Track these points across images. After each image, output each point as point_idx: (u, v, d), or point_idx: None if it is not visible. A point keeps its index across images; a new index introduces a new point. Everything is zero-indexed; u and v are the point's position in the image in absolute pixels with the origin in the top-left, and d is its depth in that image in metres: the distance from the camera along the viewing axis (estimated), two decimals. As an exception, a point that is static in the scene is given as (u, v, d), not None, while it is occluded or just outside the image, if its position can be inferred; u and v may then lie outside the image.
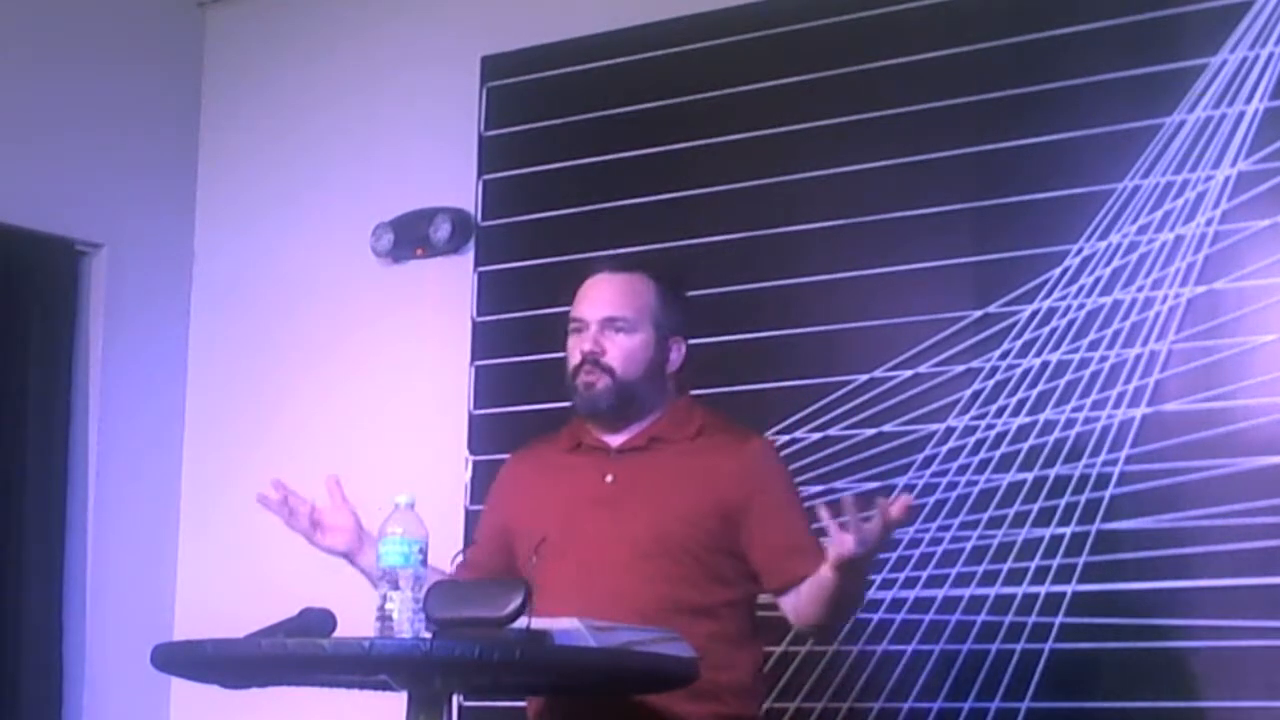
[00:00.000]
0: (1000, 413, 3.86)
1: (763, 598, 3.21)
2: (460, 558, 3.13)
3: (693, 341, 3.30)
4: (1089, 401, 3.76)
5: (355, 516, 3.22)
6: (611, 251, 3.39)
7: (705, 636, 2.99)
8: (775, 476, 3.21)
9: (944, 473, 3.89)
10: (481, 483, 4.55)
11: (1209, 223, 3.69)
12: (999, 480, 3.83)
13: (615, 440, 3.22)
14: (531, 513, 3.24)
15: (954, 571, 3.84)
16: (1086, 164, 3.84)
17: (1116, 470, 3.71)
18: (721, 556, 3.12)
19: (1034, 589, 3.74)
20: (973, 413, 3.89)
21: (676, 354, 3.24)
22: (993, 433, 3.86)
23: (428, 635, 2.63)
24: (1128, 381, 3.73)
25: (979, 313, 3.93)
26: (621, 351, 3.18)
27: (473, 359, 4.65)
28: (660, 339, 3.21)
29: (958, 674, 3.80)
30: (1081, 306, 3.81)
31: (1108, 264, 3.79)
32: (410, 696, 2.64)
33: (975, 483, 3.86)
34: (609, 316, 3.19)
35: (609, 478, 3.18)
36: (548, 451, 3.33)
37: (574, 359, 3.21)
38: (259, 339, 5.09)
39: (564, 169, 4.58)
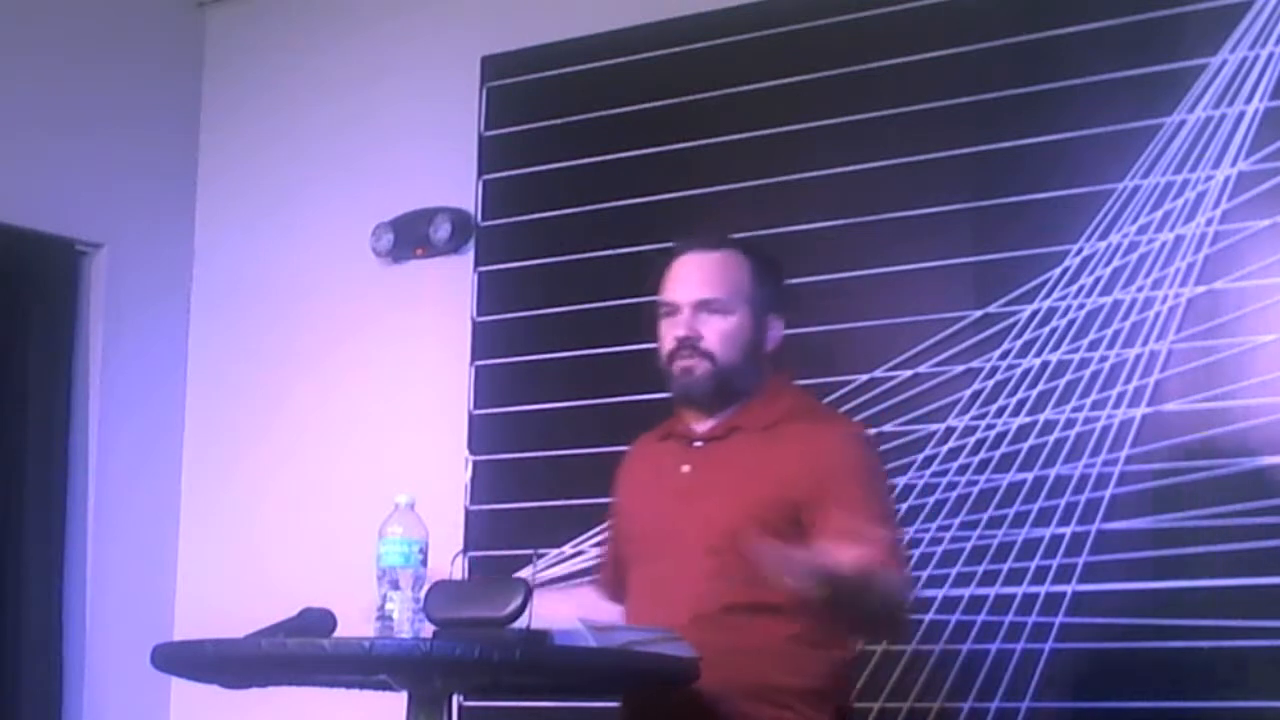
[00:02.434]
0: (1000, 413, 3.86)
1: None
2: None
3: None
4: (1089, 401, 3.76)
5: None
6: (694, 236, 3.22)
7: (775, 637, 2.90)
8: (848, 468, 2.99)
9: (944, 473, 3.89)
10: (482, 483, 4.56)
11: (1209, 223, 3.69)
12: (999, 480, 3.83)
13: (702, 427, 3.09)
14: (628, 507, 3.20)
15: (954, 571, 3.84)
16: (1086, 164, 3.84)
17: (1116, 470, 3.71)
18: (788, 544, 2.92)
19: (1034, 589, 3.74)
20: (973, 413, 3.89)
21: (775, 331, 3.10)
22: (993, 433, 3.86)
23: (428, 635, 2.63)
24: (1128, 381, 3.73)
25: (979, 313, 3.93)
26: (719, 334, 3.03)
27: (473, 359, 4.65)
28: (757, 318, 3.07)
29: (958, 674, 3.80)
30: (1081, 306, 3.81)
31: (1108, 264, 3.79)
32: (410, 696, 2.64)
33: (975, 483, 3.86)
34: (703, 299, 3.04)
35: (686, 468, 3.08)
36: (649, 440, 3.23)
37: (668, 344, 3.06)
38: (259, 338, 5.09)
39: (564, 169, 4.58)
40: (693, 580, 2.96)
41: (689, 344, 3.04)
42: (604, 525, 3.36)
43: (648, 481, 3.17)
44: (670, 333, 3.07)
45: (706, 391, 3.05)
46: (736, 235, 3.32)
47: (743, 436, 3.06)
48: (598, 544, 3.32)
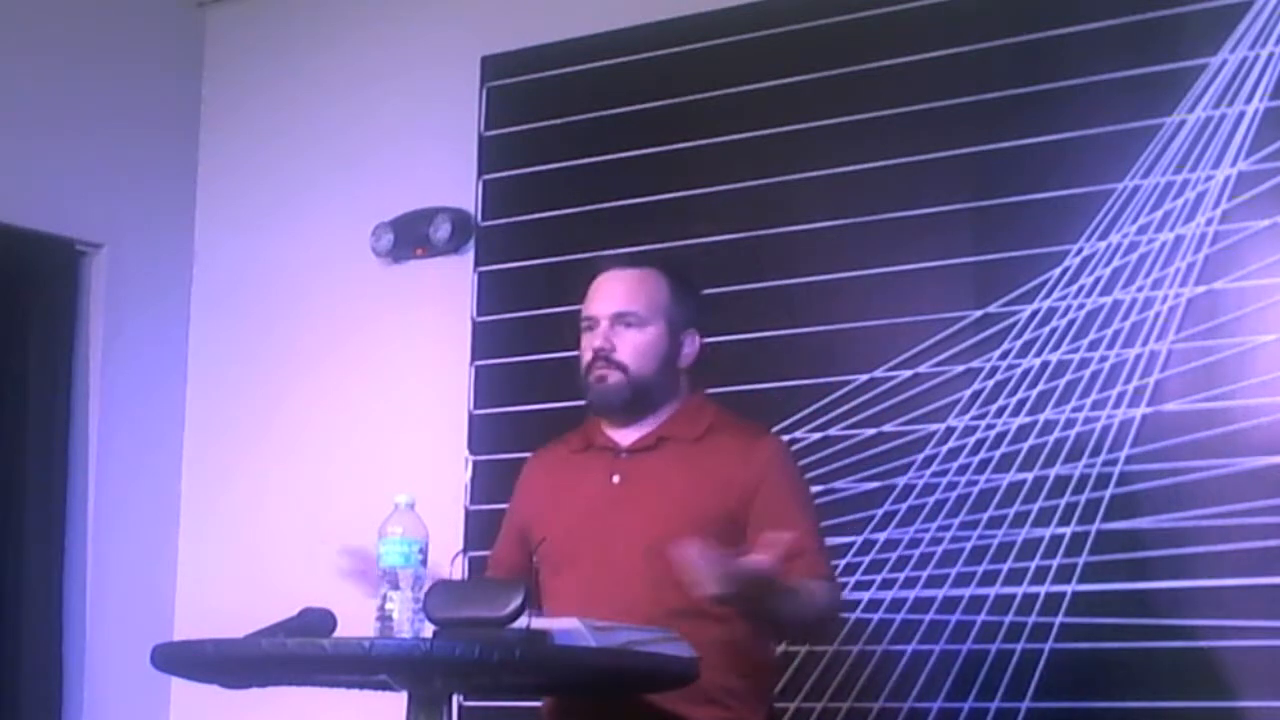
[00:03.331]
0: (1000, 413, 3.86)
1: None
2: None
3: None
4: (1089, 401, 3.76)
5: None
6: (617, 250, 3.35)
7: (711, 640, 2.95)
8: (782, 477, 3.13)
9: (944, 473, 3.89)
10: (482, 483, 4.56)
11: (1209, 223, 3.69)
12: (999, 480, 3.83)
13: (625, 439, 3.19)
14: (543, 514, 3.23)
15: (954, 571, 3.84)
16: (1086, 164, 3.84)
17: (1116, 470, 3.71)
18: None
19: (1034, 589, 3.74)
20: (973, 413, 3.89)
21: (690, 347, 3.20)
22: (993, 433, 3.86)
23: (428, 635, 2.63)
24: (1128, 381, 3.73)
25: (979, 313, 3.93)
26: (633, 346, 3.15)
27: (473, 359, 4.65)
28: (672, 332, 3.18)
29: (958, 674, 3.80)
30: (1081, 306, 3.81)
31: (1108, 264, 3.79)
32: (410, 696, 2.64)
33: (975, 483, 3.86)
34: (619, 312, 3.16)
35: (616, 478, 3.16)
36: (560, 450, 3.31)
37: (586, 356, 3.18)
38: (259, 339, 5.09)
39: (564, 169, 4.58)
40: (627, 585, 3.02)
41: (604, 355, 3.15)
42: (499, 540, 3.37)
43: (566, 490, 3.22)
44: (588, 345, 3.18)
45: (621, 400, 3.16)
46: (653, 249, 3.48)
47: (673, 446, 3.15)
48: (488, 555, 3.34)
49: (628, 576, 3.03)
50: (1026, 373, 3.85)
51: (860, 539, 3.91)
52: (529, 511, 3.29)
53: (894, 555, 3.89)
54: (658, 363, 3.16)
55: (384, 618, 2.65)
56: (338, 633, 2.66)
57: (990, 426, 3.87)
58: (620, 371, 3.14)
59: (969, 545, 3.83)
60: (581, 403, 3.15)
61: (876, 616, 3.89)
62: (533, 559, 3.20)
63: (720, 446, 3.13)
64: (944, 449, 3.90)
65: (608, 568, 3.06)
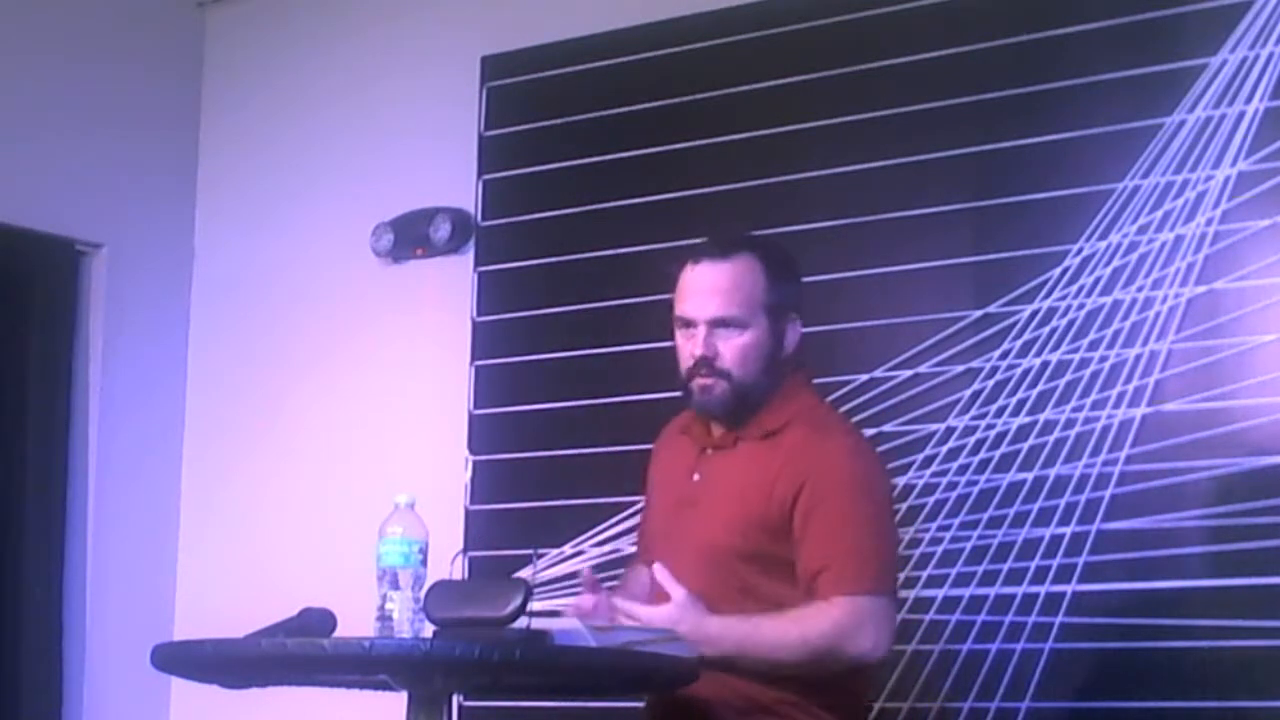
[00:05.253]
0: (1000, 413, 3.86)
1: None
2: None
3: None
4: (1089, 401, 3.76)
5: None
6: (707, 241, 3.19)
7: None
8: (830, 477, 2.94)
9: (944, 473, 3.89)
10: (482, 483, 4.56)
11: (1209, 223, 3.69)
12: (999, 480, 3.83)
13: (715, 432, 3.09)
14: (651, 499, 3.23)
15: (954, 571, 3.84)
16: (1086, 164, 3.83)
17: (1116, 470, 3.71)
18: (762, 566, 2.96)
19: (1034, 589, 3.74)
20: (973, 413, 3.89)
21: (792, 335, 3.06)
22: (993, 433, 3.86)
23: (428, 635, 2.63)
24: (1128, 381, 3.73)
25: (979, 313, 3.93)
26: (737, 351, 2.99)
27: (473, 359, 4.65)
28: (775, 327, 3.03)
29: (958, 674, 3.80)
30: (1081, 306, 3.81)
31: (1108, 264, 3.79)
32: (410, 696, 2.64)
33: (975, 483, 3.85)
34: (719, 316, 3.00)
35: (696, 476, 3.08)
36: (675, 427, 3.21)
37: (686, 361, 3.03)
38: (259, 339, 5.09)
39: (564, 169, 4.58)
40: (687, 585, 2.95)
41: (706, 363, 3.00)
42: (632, 510, 3.36)
43: (666, 478, 3.19)
44: (687, 349, 3.03)
45: (726, 409, 3.04)
46: (748, 233, 3.31)
47: (745, 446, 3.04)
48: (631, 528, 3.33)
49: (687, 581, 2.92)
50: (1026, 373, 3.85)
51: (860, 539, 3.91)
52: (651, 488, 3.26)
53: (894, 555, 3.89)
54: (762, 363, 3.01)
55: (384, 618, 2.65)
56: (338, 633, 2.66)
57: (990, 426, 3.87)
58: (725, 380, 2.99)
59: (969, 545, 3.83)
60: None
61: (876, 616, 3.89)
62: None
63: (785, 444, 2.99)
64: (944, 449, 3.90)
65: (677, 569, 2.95)
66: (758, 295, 3.01)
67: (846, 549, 2.90)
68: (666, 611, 2.86)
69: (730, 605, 2.92)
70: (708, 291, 3.02)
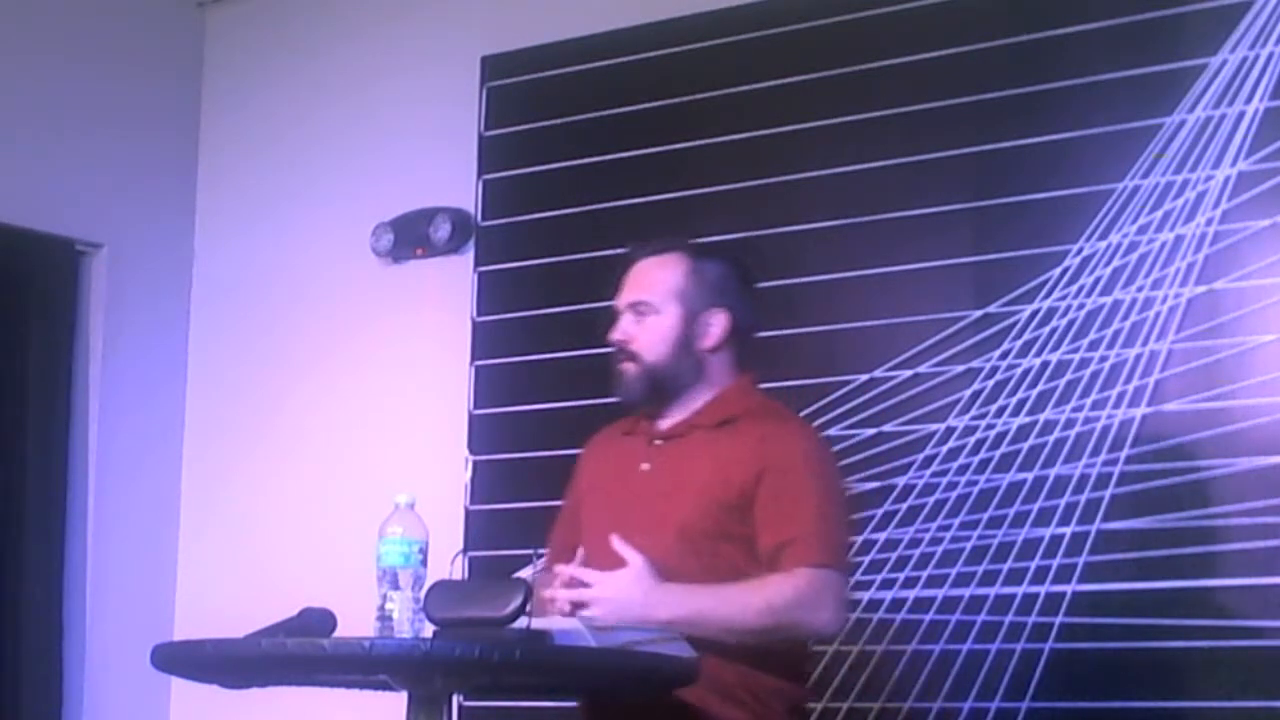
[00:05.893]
0: (1000, 413, 3.86)
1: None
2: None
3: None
4: (1089, 401, 3.76)
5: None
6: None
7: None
8: (792, 461, 3.04)
9: (944, 473, 3.89)
10: (482, 483, 4.56)
11: (1209, 223, 3.69)
12: (999, 480, 3.83)
13: (662, 425, 3.17)
14: (587, 500, 3.24)
15: (954, 571, 3.84)
16: (1086, 164, 3.83)
17: (1116, 470, 3.71)
18: (735, 546, 3.02)
19: (1034, 589, 3.74)
20: (973, 413, 3.89)
21: (716, 327, 3.14)
22: (993, 433, 3.86)
23: (428, 635, 2.63)
24: (1128, 381, 3.73)
25: (979, 313, 3.93)
26: (645, 335, 3.14)
27: (473, 359, 4.65)
28: (688, 315, 3.14)
29: (958, 674, 3.80)
30: (1081, 306, 3.81)
31: (1108, 264, 3.79)
32: (410, 696, 2.64)
33: (975, 483, 3.86)
34: (632, 301, 3.18)
35: (645, 466, 3.15)
36: (613, 433, 3.30)
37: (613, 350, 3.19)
38: (259, 339, 5.09)
39: (564, 169, 4.58)
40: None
41: (620, 347, 3.17)
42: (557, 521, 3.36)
43: (608, 476, 3.22)
44: (611, 339, 3.20)
45: (639, 391, 3.16)
46: (699, 239, 3.44)
47: (699, 434, 3.12)
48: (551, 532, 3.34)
49: (656, 559, 2.96)
50: (1026, 373, 3.85)
51: (860, 539, 3.91)
52: (578, 491, 3.29)
53: (894, 555, 3.89)
54: (672, 348, 3.13)
55: (384, 618, 2.65)
56: (338, 633, 2.66)
57: (990, 426, 3.87)
58: (634, 362, 3.15)
59: (969, 545, 3.83)
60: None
61: (876, 616, 3.89)
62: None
63: (743, 432, 3.08)
64: (944, 449, 3.90)
65: (641, 549, 2.98)
66: (671, 284, 3.15)
67: (807, 525, 2.99)
68: (623, 574, 2.92)
69: (698, 582, 2.98)
70: (630, 283, 3.21)
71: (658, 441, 3.16)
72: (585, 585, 2.94)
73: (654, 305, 3.15)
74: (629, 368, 3.15)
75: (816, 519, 3.01)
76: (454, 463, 4.61)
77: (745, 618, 2.93)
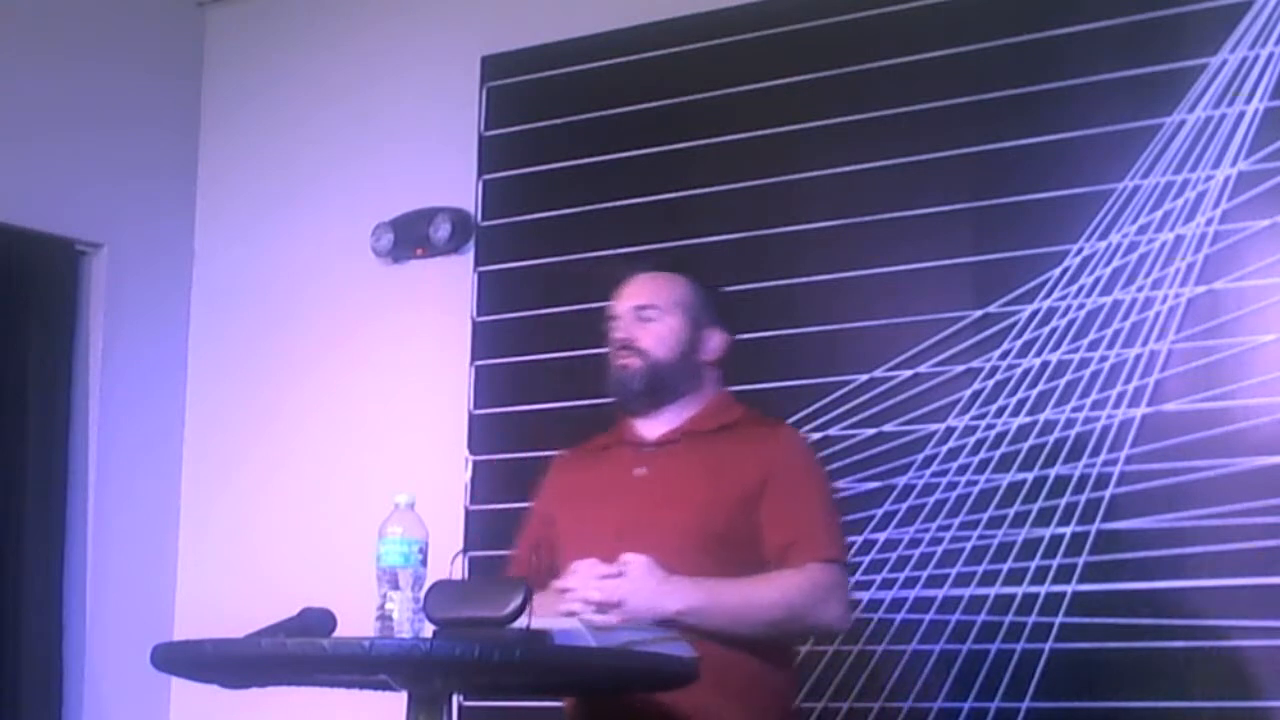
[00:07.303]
0: (1000, 413, 3.86)
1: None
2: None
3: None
4: (1089, 401, 3.76)
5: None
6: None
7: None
8: (791, 467, 3.15)
9: (944, 473, 3.89)
10: (482, 483, 4.56)
11: (1209, 223, 3.69)
12: (999, 480, 3.83)
13: (652, 433, 3.21)
14: (561, 506, 3.25)
15: (954, 571, 3.84)
16: (1086, 164, 3.84)
17: (1116, 470, 3.71)
18: (740, 547, 3.07)
19: (1034, 589, 3.74)
20: (973, 413, 3.89)
21: (715, 342, 3.25)
22: (993, 433, 3.86)
23: (428, 635, 2.62)
24: (1128, 381, 3.73)
25: (979, 313, 3.93)
26: (652, 335, 3.20)
27: (473, 359, 4.65)
28: (693, 325, 3.23)
29: (958, 674, 3.80)
30: (1081, 306, 3.81)
31: (1108, 264, 3.80)
32: (410, 696, 2.64)
33: (975, 483, 3.86)
34: (639, 305, 3.23)
35: (641, 471, 3.18)
36: (585, 450, 3.35)
37: (611, 351, 3.24)
38: (259, 338, 5.09)
39: (564, 169, 4.58)
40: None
41: (625, 344, 3.22)
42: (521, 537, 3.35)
43: (589, 488, 3.23)
44: (613, 340, 3.24)
45: (640, 384, 3.20)
46: (656, 249, 3.63)
47: (696, 440, 3.18)
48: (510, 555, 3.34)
49: (664, 561, 3.00)
50: (1026, 373, 3.85)
51: (860, 539, 3.91)
52: (548, 508, 3.30)
53: (894, 555, 3.89)
54: (677, 349, 3.21)
55: (384, 618, 2.65)
56: (338, 633, 2.66)
57: (990, 426, 3.87)
58: (639, 357, 3.19)
59: (969, 545, 3.83)
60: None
61: (876, 616, 3.89)
62: (559, 554, 3.18)
63: (738, 438, 3.17)
64: (944, 449, 3.91)
65: (647, 553, 3.02)
66: (676, 294, 3.25)
67: (815, 524, 3.10)
68: (633, 567, 2.95)
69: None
70: (633, 291, 3.27)
71: (650, 448, 3.20)
72: (614, 577, 2.96)
73: (660, 309, 3.22)
74: (632, 362, 3.20)
75: (823, 518, 3.12)
76: (454, 463, 4.61)
77: (758, 609, 3.00)
